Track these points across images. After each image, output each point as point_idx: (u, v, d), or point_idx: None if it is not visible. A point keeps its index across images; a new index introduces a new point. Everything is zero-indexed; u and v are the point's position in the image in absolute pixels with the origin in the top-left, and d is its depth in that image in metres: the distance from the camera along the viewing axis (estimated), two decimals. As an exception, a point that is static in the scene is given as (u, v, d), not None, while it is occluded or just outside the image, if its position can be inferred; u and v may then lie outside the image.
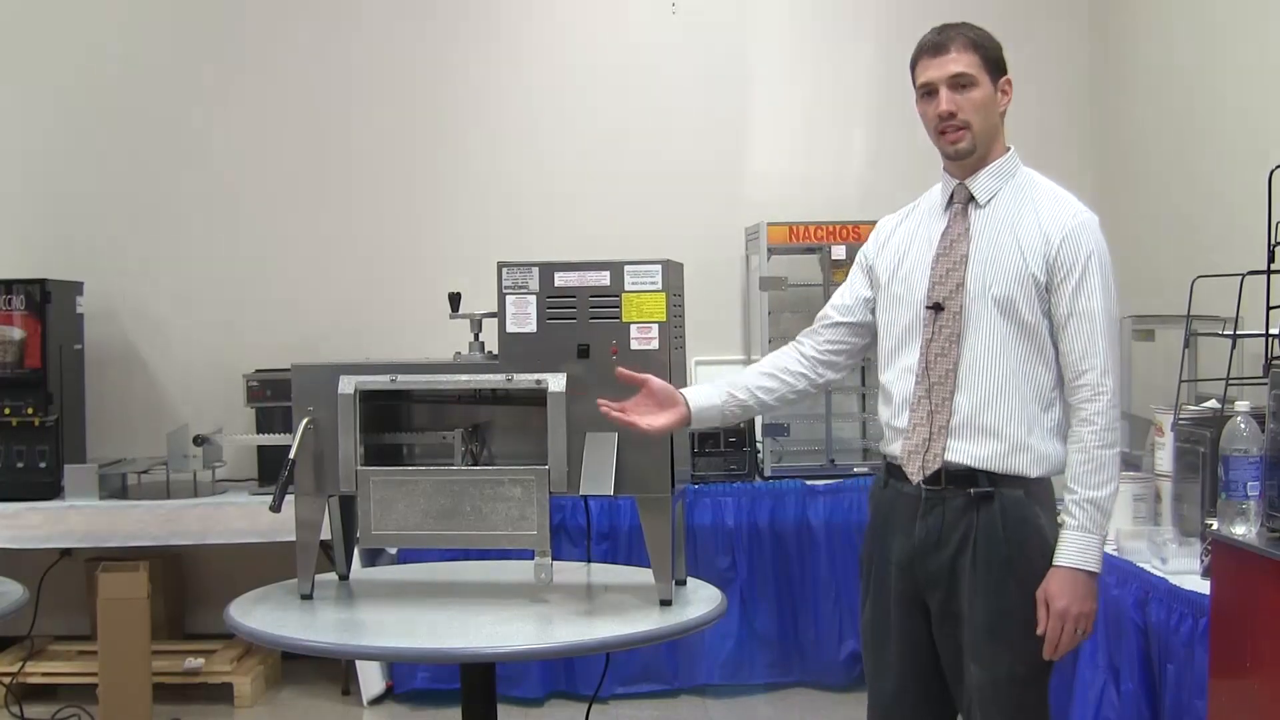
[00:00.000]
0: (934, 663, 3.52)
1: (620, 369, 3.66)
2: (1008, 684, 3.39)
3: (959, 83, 3.45)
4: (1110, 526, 4.64)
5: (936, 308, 3.46)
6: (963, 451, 3.42)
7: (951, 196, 3.56)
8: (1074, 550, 3.32)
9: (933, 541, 3.45)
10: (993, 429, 3.39)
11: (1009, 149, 3.55)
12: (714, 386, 3.68)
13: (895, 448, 3.54)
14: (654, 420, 3.57)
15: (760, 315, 6.97)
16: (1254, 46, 5.62)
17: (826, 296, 6.85)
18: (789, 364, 3.72)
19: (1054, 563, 3.33)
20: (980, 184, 3.51)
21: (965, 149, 3.47)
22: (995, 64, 3.50)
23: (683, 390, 3.65)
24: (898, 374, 3.56)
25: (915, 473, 3.48)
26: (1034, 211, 3.44)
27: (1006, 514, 3.38)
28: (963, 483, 3.42)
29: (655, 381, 3.62)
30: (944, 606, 3.46)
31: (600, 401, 3.57)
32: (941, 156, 3.56)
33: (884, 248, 3.66)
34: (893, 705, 3.60)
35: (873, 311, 3.67)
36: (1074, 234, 3.38)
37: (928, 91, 3.50)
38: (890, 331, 3.59)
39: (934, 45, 3.50)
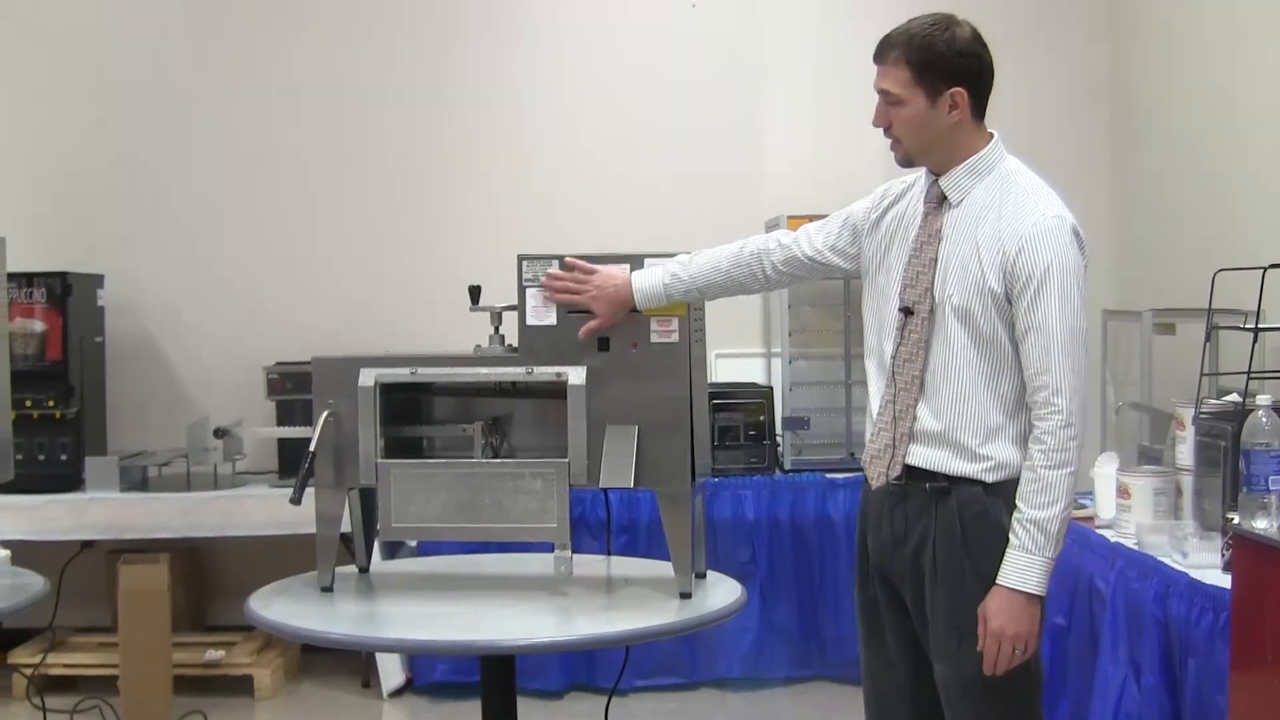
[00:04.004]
0: (925, 659, 3.49)
1: (568, 258, 3.76)
2: (973, 684, 3.33)
3: (887, 100, 3.38)
4: (1137, 527, 4.66)
5: (907, 311, 3.41)
6: (921, 457, 3.38)
7: (928, 194, 3.47)
8: (1013, 571, 3.24)
9: (898, 538, 3.44)
10: (949, 438, 3.34)
11: (992, 136, 3.42)
12: (657, 282, 3.72)
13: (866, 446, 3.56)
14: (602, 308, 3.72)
15: (780, 308, 6.98)
16: (1275, 38, 5.60)
17: (846, 290, 6.90)
18: (746, 280, 3.77)
19: (996, 580, 3.26)
20: (953, 183, 3.40)
21: (902, 161, 3.43)
22: (938, 73, 3.32)
23: (632, 279, 3.72)
24: (874, 369, 3.54)
25: (875, 478, 3.48)
26: (998, 215, 3.32)
27: (964, 510, 3.33)
28: (921, 478, 3.39)
29: (599, 275, 3.74)
30: (916, 604, 3.44)
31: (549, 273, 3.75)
32: None
33: (875, 229, 3.60)
34: (893, 698, 3.58)
35: (839, 256, 3.67)
36: (1031, 243, 3.24)
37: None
38: (872, 323, 3.56)
39: (876, 53, 3.43)
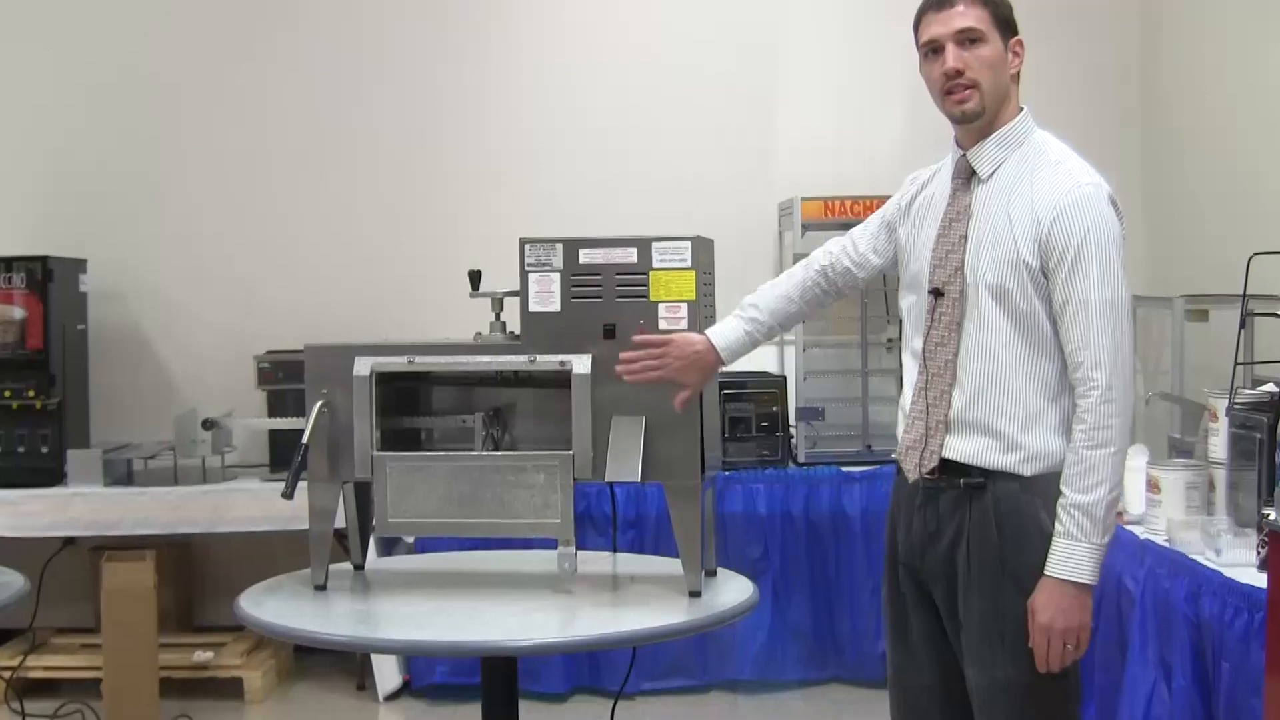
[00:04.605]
0: (955, 660, 3.48)
1: (637, 337, 3.70)
2: (1006, 689, 3.33)
3: (967, 38, 3.34)
4: (1168, 523, 4.65)
5: (937, 293, 3.41)
6: (956, 449, 3.37)
7: (956, 169, 3.47)
8: (1060, 559, 3.22)
9: (930, 535, 3.43)
10: (984, 425, 3.33)
11: (1022, 110, 3.43)
12: (737, 329, 3.73)
13: (898, 439, 3.56)
14: (689, 377, 3.69)
15: (794, 294, 6.95)
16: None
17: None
18: (820, 299, 3.81)
19: (1044, 571, 3.25)
20: (983, 155, 3.40)
21: (973, 110, 3.36)
22: (1005, 22, 3.38)
23: (709, 336, 3.71)
24: (909, 359, 3.54)
25: (911, 470, 3.47)
26: (1030, 186, 3.32)
27: (1000, 506, 3.31)
28: (956, 473, 3.38)
29: (675, 342, 3.69)
30: (948, 604, 3.43)
31: (623, 357, 3.68)
32: (951, 124, 3.47)
33: (906, 215, 3.62)
34: (921, 699, 3.58)
35: (881, 256, 3.70)
36: (1067, 212, 3.24)
37: (932, 49, 3.39)
38: (908, 313, 3.57)
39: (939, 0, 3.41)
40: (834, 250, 3.79)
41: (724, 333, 3.72)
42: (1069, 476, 3.23)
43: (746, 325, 3.73)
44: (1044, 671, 3.26)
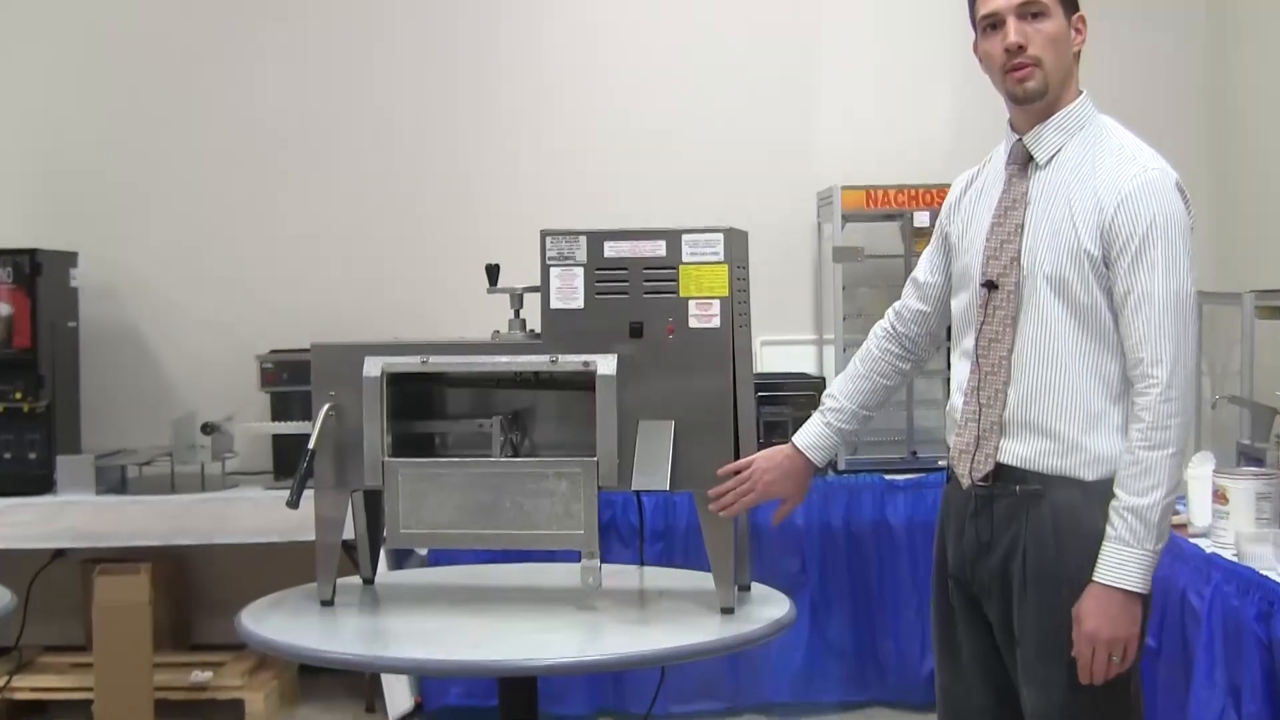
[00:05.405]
0: (1008, 680, 3.48)
1: (722, 469, 3.72)
2: (1063, 713, 3.33)
3: (1029, 11, 3.34)
4: (1236, 535, 4.63)
5: (990, 285, 3.41)
6: (1011, 452, 3.37)
7: (1011, 154, 3.48)
8: (1110, 565, 3.21)
9: (983, 546, 3.43)
10: (1043, 426, 3.33)
11: (1081, 93, 3.43)
12: (816, 423, 3.82)
13: (950, 443, 3.55)
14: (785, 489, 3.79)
15: (834, 290, 6.95)
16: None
17: (907, 269, 6.87)
18: (898, 364, 3.87)
19: (1092, 577, 3.24)
20: (1041, 139, 3.40)
21: (1035, 89, 3.36)
22: None
23: (794, 441, 3.78)
24: (958, 359, 3.55)
25: (964, 475, 3.47)
26: (1092, 172, 3.32)
27: (1058, 517, 3.31)
28: (1011, 479, 3.38)
29: (758, 458, 3.75)
30: (1002, 619, 3.43)
31: (712, 493, 3.71)
32: (1006, 106, 3.47)
33: (955, 211, 3.63)
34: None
35: (945, 275, 3.69)
36: (1131, 198, 3.24)
37: (992, 24, 3.39)
38: (956, 310, 3.58)
39: None
40: (895, 305, 3.84)
41: (805, 433, 3.80)
42: (1123, 478, 3.22)
43: (826, 418, 3.80)
44: (1086, 683, 3.25)
